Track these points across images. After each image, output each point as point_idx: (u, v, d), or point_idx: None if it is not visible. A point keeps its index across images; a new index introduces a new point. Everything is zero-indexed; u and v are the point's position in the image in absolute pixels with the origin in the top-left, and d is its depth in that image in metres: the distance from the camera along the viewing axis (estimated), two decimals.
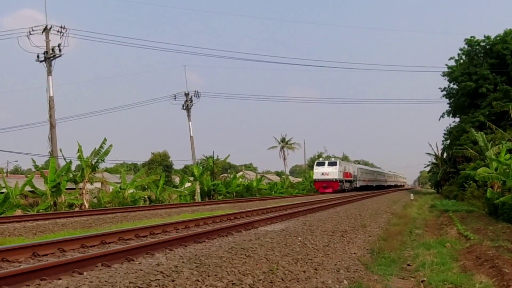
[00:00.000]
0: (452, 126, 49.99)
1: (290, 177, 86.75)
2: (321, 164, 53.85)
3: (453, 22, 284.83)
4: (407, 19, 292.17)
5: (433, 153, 61.62)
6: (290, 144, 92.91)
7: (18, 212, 23.77)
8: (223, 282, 6.74)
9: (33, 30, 34.54)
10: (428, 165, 70.26)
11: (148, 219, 18.82)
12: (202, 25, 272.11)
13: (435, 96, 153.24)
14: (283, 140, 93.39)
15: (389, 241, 12.57)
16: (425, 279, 8.21)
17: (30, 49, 35.50)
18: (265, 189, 55.71)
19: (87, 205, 27.49)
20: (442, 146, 57.81)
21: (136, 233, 11.43)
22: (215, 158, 51.18)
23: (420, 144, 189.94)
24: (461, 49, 47.45)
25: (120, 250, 8.27)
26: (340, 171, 52.55)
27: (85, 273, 6.79)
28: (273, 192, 55.30)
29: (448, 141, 50.18)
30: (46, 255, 8.71)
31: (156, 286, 6.02)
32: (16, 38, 35.02)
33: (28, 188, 27.08)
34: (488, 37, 45.02)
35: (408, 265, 9.87)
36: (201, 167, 44.84)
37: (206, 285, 6.48)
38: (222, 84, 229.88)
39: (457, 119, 49.76)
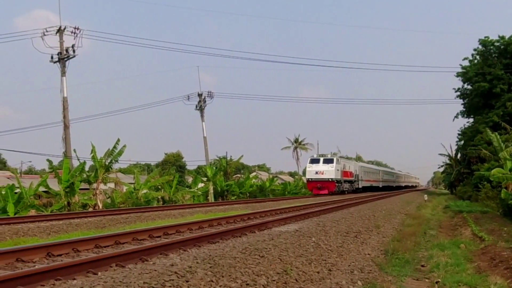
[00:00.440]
0: (466, 126, 49.62)
1: (303, 177, 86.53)
2: (315, 161, 46.69)
3: (468, 22, 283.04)
4: (422, 19, 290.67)
5: (447, 154, 61.31)
6: (303, 144, 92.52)
7: (32, 212, 23.92)
8: (237, 282, 6.73)
9: (47, 31, 34.94)
10: (442, 166, 69.87)
11: (162, 219, 18.85)
12: (216, 25, 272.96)
13: (450, 96, 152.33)
14: (296, 140, 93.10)
15: (403, 242, 12.49)
16: (439, 280, 8.15)
17: (44, 50, 35.94)
18: (278, 190, 55.43)
19: (100, 206, 27.65)
20: (456, 147, 57.54)
21: (150, 234, 11.45)
22: (228, 158, 51.10)
23: (434, 145, 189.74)
24: (475, 49, 47.05)
25: (134, 251, 8.31)
26: (338, 170, 46.27)
27: (99, 273, 6.82)
28: (286, 193, 54.62)
29: (462, 142, 49.80)
30: (60, 255, 8.75)
31: (170, 286, 6.02)
32: (30, 39, 35.32)
33: (42, 188, 27.29)
34: (502, 37, 44.52)
35: (422, 266, 9.81)
36: (214, 168, 44.90)
37: (220, 286, 6.47)
38: (235, 85, 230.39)
39: (471, 120, 49.34)
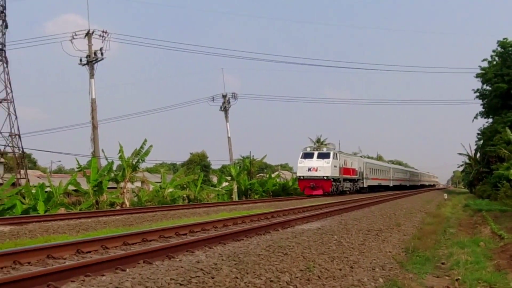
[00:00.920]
0: (485, 126, 49.17)
1: None
2: (308, 155, 38.62)
3: (487, 24, 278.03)
4: (443, 21, 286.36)
5: (466, 153, 60.96)
6: (325, 144, 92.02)
7: (62, 210, 24.32)
8: (261, 279, 6.87)
9: (76, 35, 35.62)
10: (461, 165, 69.24)
11: (187, 217, 19.03)
12: (240, 28, 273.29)
13: (470, 97, 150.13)
14: (318, 140, 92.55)
15: (423, 240, 12.52)
16: (459, 277, 8.18)
17: (73, 53, 36.72)
18: None
19: (128, 204, 28.07)
20: (475, 147, 57.16)
21: (176, 231, 11.65)
22: (251, 158, 51.30)
23: (454, 145, 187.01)
24: (494, 51, 46.57)
25: (161, 248, 8.47)
26: (336, 166, 38.52)
27: (127, 269, 7.01)
28: None
29: (481, 142, 49.39)
30: (89, 252, 8.97)
31: (196, 283, 6.17)
32: (60, 42, 36.05)
33: (71, 187, 27.82)
34: None
35: (443, 263, 9.83)
36: (238, 167, 45.13)
37: (245, 282, 6.61)
38: (259, 86, 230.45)
39: (490, 120, 48.86)
